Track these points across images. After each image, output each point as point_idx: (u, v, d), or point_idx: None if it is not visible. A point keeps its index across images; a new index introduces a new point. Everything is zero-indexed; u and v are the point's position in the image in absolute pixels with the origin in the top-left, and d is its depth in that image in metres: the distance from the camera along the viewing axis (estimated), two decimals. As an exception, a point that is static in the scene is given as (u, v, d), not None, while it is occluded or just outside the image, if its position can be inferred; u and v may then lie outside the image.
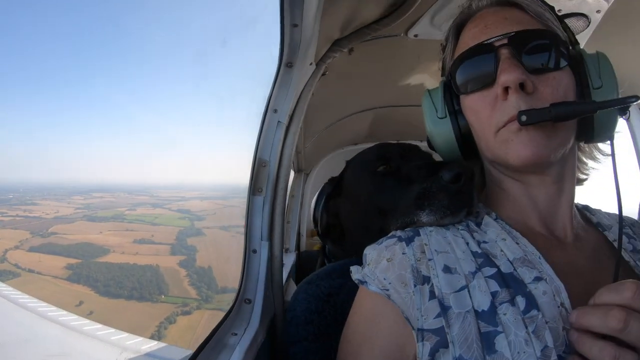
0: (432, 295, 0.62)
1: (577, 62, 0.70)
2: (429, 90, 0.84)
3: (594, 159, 0.82)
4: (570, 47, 0.71)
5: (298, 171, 2.39)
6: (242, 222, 0.98)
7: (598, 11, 1.17)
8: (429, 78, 1.64)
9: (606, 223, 0.79)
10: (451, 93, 0.79)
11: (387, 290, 0.65)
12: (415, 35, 1.30)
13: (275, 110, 1.01)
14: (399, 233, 0.73)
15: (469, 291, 0.61)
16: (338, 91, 1.62)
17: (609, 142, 0.72)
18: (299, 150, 2.02)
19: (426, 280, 0.63)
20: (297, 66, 1.01)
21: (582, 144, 0.79)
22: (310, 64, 1.08)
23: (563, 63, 0.67)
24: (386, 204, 0.87)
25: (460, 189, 0.73)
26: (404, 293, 0.63)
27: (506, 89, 0.66)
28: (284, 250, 2.18)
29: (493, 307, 0.58)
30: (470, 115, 0.75)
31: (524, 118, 0.62)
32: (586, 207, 0.85)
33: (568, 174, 0.74)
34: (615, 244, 0.73)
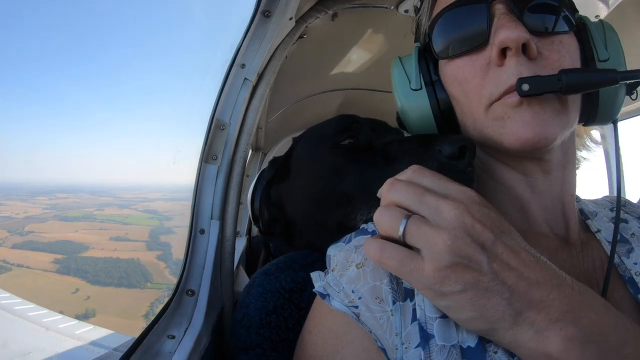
0: (415, 316, 0.48)
1: (580, 30, 0.58)
2: (400, 58, 0.69)
3: (584, 145, 0.70)
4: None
5: (256, 149, 2.21)
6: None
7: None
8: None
9: (590, 210, 0.68)
10: (427, 60, 0.65)
11: (356, 307, 0.49)
12: (406, 11, 1.18)
13: (243, 65, 0.84)
14: (372, 227, 0.58)
15: None
16: (313, 62, 1.46)
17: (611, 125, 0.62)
18: (260, 125, 1.84)
19: (409, 294, 0.49)
20: (275, 17, 0.86)
21: (578, 127, 0.67)
22: (290, 18, 0.92)
23: (570, 26, 0.55)
24: (353, 187, 0.68)
25: (465, 168, 0.57)
26: (378, 312, 0.48)
27: (503, 51, 0.52)
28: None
29: (481, 344, 0.45)
30: (453, 86, 0.60)
31: (525, 87, 0.49)
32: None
33: (570, 161, 0.61)
34: (599, 235, 0.63)
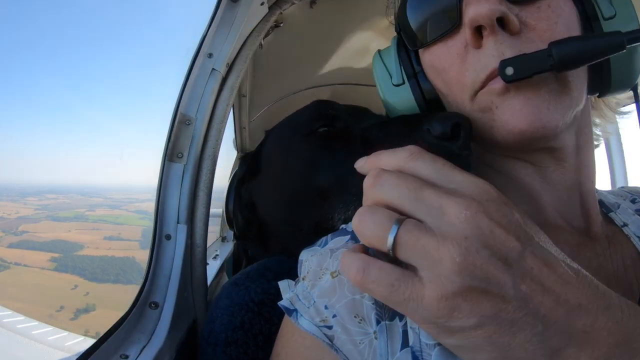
0: (407, 341, 0.37)
1: None
2: (379, 51, 0.62)
3: (603, 117, 0.59)
4: None
5: (241, 151, 2.13)
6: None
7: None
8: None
9: (611, 201, 0.58)
10: (408, 51, 0.57)
11: (330, 328, 0.40)
12: (389, -3, 1.11)
13: (210, 55, 0.77)
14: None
15: None
16: (293, 54, 1.39)
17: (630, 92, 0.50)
18: (243, 125, 1.76)
19: (398, 312, 0.37)
20: (244, 2, 0.79)
21: (593, 97, 0.56)
22: (262, 4, 0.85)
23: None
24: (329, 180, 0.59)
25: (460, 151, 0.47)
26: (358, 335, 0.39)
27: (478, 30, 0.43)
28: (220, 239, 1.92)
29: None
30: (433, 76, 0.53)
31: (509, 71, 0.40)
32: None
33: (587, 141, 0.51)
34: (627, 229, 0.53)
